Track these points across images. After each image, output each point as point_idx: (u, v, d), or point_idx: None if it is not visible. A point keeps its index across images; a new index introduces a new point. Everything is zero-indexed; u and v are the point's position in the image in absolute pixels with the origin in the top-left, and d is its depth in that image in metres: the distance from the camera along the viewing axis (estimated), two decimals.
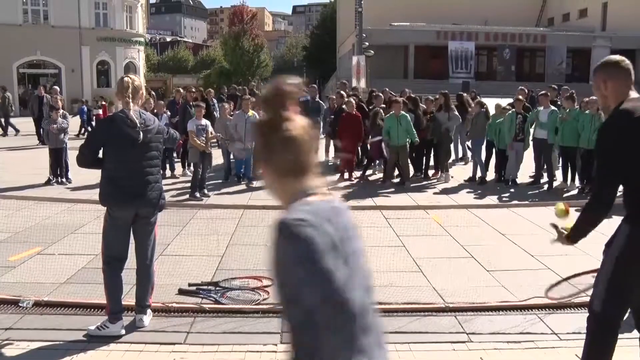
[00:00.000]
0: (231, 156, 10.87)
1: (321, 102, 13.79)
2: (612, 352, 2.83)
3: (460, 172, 11.64)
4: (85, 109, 20.61)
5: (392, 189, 10.02)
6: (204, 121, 9.47)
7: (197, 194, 9.11)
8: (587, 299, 4.51)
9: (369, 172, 11.59)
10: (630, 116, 2.70)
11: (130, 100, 3.85)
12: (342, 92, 12.68)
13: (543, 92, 10.85)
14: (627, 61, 2.85)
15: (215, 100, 14.53)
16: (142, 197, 3.92)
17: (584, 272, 3.38)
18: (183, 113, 11.36)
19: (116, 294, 3.98)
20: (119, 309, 3.97)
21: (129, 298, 4.17)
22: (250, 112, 10.36)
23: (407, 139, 10.19)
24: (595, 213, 2.77)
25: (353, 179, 10.89)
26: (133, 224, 4.03)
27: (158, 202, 4.04)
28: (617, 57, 2.89)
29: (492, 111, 11.09)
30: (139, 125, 3.84)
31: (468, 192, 9.94)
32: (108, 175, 3.94)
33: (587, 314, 2.95)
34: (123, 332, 3.93)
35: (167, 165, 11.20)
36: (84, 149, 3.90)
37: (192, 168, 10.21)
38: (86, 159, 3.93)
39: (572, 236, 2.87)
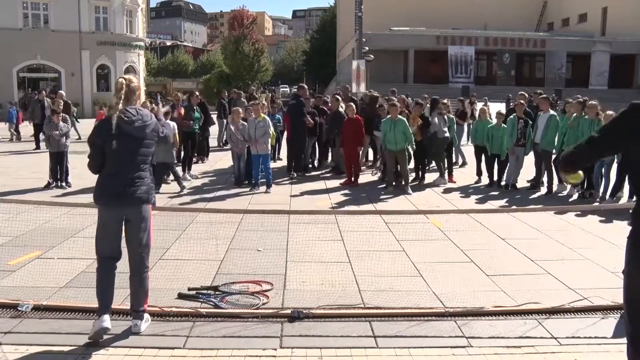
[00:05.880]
0: (241, 162, 10.69)
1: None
2: None
3: (459, 177, 11.64)
4: (15, 111, 19.64)
5: (391, 195, 10.00)
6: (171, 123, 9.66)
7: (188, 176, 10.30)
8: (589, 303, 4.53)
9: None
10: None
11: (121, 101, 3.89)
12: (337, 96, 12.80)
13: (543, 95, 10.84)
14: None
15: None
16: (127, 195, 3.89)
17: None
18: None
19: (101, 292, 3.94)
20: (103, 311, 3.89)
21: (126, 302, 4.16)
22: (261, 117, 10.31)
23: (406, 144, 10.05)
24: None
25: (357, 183, 10.86)
26: (126, 228, 4.01)
27: (146, 199, 3.99)
28: None
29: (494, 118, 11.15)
30: (134, 121, 3.88)
31: (468, 197, 9.93)
32: (102, 172, 3.96)
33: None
34: (105, 324, 3.81)
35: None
36: (90, 153, 3.95)
37: (191, 172, 11.55)
38: (95, 162, 3.94)
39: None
